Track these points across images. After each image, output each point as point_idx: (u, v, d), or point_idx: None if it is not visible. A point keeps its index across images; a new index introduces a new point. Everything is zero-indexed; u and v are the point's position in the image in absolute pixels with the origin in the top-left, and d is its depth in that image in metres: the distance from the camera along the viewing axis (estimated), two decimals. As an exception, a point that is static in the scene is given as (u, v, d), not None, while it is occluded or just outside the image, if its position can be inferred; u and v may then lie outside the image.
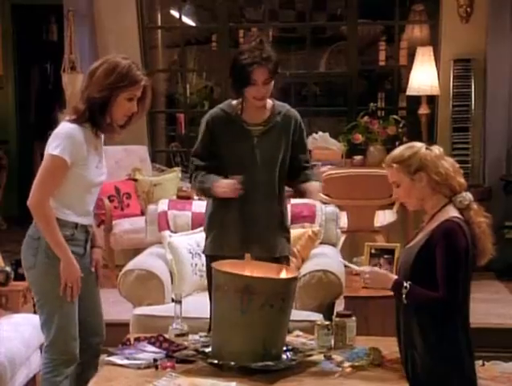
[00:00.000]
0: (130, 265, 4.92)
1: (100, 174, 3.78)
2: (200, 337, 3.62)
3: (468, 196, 3.31)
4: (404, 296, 3.23)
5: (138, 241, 6.10)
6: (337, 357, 3.42)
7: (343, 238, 6.12)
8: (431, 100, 7.77)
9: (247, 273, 3.45)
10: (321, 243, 5.26)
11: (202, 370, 3.31)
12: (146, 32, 8.28)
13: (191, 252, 4.99)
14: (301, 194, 4.19)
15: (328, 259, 5.01)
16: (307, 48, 8.49)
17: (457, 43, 7.59)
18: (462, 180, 3.34)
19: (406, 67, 8.23)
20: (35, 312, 5.28)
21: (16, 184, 10.03)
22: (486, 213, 3.32)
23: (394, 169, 3.35)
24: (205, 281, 4.88)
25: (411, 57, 7.85)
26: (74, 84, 7.48)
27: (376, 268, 3.47)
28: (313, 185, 4.11)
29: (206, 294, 4.12)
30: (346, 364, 3.34)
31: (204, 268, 4.93)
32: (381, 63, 8.93)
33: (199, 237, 5.08)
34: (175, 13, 9.23)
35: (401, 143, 7.28)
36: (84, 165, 3.65)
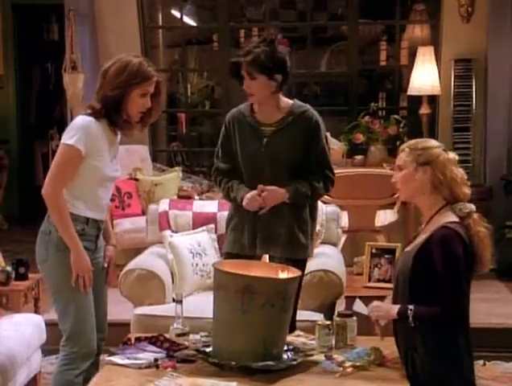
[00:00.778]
0: (131, 265, 4.92)
1: (114, 170, 3.81)
2: (201, 337, 3.62)
3: (469, 206, 3.30)
4: (411, 319, 3.22)
5: (139, 241, 6.10)
6: (338, 357, 3.41)
7: (344, 238, 6.11)
8: (432, 99, 7.77)
9: (248, 272, 3.45)
10: (322, 243, 5.26)
11: (203, 370, 3.31)
12: (147, 32, 8.29)
13: (192, 252, 4.99)
14: None
15: (328, 259, 5.01)
16: (308, 48, 8.50)
17: (458, 42, 7.59)
18: (467, 191, 3.33)
19: (407, 67, 8.23)
20: (35, 312, 5.30)
21: (17, 184, 10.04)
22: (487, 224, 3.31)
23: (404, 153, 3.38)
24: (206, 281, 4.90)
25: (412, 57, 7.86)
26: (75, 84, 7.49)
27: (377, 304, 3.42)
28: (270, 189, 3.97)
29: (207, 294, 4.11)
30: (347, 364, 3.34)
31: (205, 268, 4.95)
32: (382, 63, 8.94)
33: (200, 237, 5.09)
34: (176, 12, 9.24)
35: (402, 143, 7.29)
36: (99, 157, 3.68)
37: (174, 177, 7.38)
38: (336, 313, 4.08)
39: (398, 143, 7.32)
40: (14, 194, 9.98)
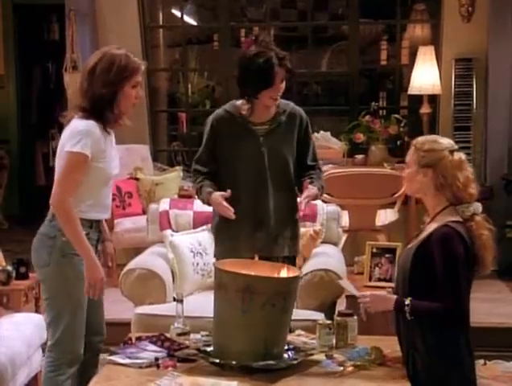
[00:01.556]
0: (132, 264, 4.92)
1: (115, 167, 3.81)
2: (202, 336, 3.62)
3: (472, 208, 3.28)
4: (408, 314, 3.22)
5: (140, 240, 6.11)
6: (339, 356, 3.42)
7: (344, 237, 6.12)
8: (433, 99, 7.77)
9: (248, 272, 3.44)
10: (323, 242, 5.26)
11: (203, 369, 3.31)
12: (148, 31, 8.29)
13: (192, 251, 4.99)
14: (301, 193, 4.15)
15: (329, 258, 5.01)
16: (309, 48, 8.50)
17: (459, 42, 7.58)
18: (473, 191, 3.31)
19: (407, 67, 8.22)
20: (36, 311, 5.30)
21: (17, 184, 10.03)
22: (490, 226, 3.30)
23: (412, 150, 3.39)
24: (207, 280, 4.90)
25: (413, 56, 7.85)
26: (75, 84, 7.42)
27: (375, 292, 3.44)
28: (311, 190, 4.01)
29: (207, 293, 4.11)
30: (348, 364, 3.34)
31: (206, 267, 4.95)
32: (383, 63, 8.94)
33: (200, 236, 5.09)
34: (176, 12, 9.24)
35: (402, 142, 7.31)
36: (103, 158, 3.67)
37: (174, 176, 7.38)
38: (336, 312, 4.08)
39: (398, 143, 7.34)
40: (15, 194, 9.98)
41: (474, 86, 7.56)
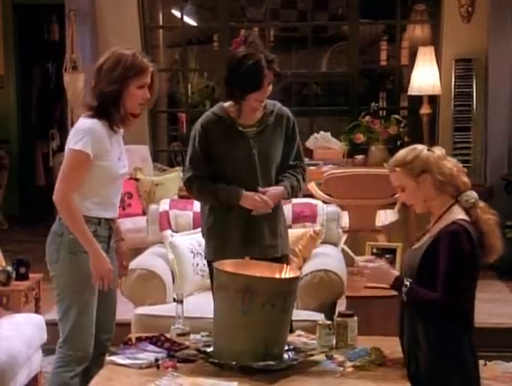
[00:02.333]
0: (132, 265, 4.90)
1: (123, 166, 3.82)
2: (202, 337, 3.62)
3: (473, 194, 3.31)
4: (404, 294, 3.23)
5: (140, 241, 6.09)
6: (339, 357, 3.41)
7: (344, 238, 6.11)
8: (433, 99, 7.77)
9: (248, 272, 3.44)
10: (322, 242, 5.26)
11: (203, 369, 3.31)
12: (148, 32, 8.30)
13: (192, 252, 4.99)
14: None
15: (329, 259, 5.00)
16: (309, 48, 8.50)
17: (459, 42, 7.59)
18: (466, 179, 3.34)
19: (407, 67, 8.23)
20: (36, 312, 5.30)
21: (17, 184, 10.03)
22: (493, 210, 3.32)
23: (397, 173, 3.35)
24: (207, 281, 4.89)
25: (413, 57, 7.86)
26: (75, 84, 7.49)
27: (378, 264, 3.42)
28: (271, 190, 3.99)
29: (207, 294, 4.10)
30: (348, 364, 3.34)
31: (206, 268, 4.94)
32: (383, 63, 8.95)
33: (200, 237, 5.05)
34: (176, 12, 9.24)
35: (402, 143, 7.31)
36: (106, 157, 3.68)
37: (174, 177, 7.37)
38: (336, 313, 4.08)
39: (398, 143, 7.33)
40: (15, 194, 9.98)
41: (474, 86, 7.57)
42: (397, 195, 3.49)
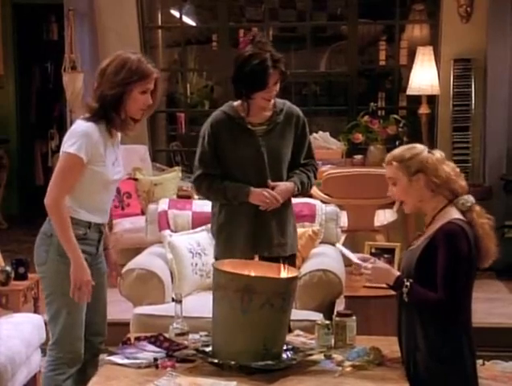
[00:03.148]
0: (131, 265, 4.92)
1: (117, 172, 3.78)
2: (201, 336, 3.62)
3: (470, 198, 3.31)
4: (405, 294, 3.23)
5: (139, 241, 6.10)
6: (337, 356, 3.42)
7: (343, 237, 6.12)
8: (432, 99, 7.78)
9: (247, 272, 3.45)
10: (321, 242, 5.26)
11: (202, 369, 3.31)
12: (147, 32, 8.30)
13: (191, 252, 4.99)
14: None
15: (328, 258, 5.00)
16: (308, 48, 8.50)
17: (457, 42, 7.59)
18: (464, 183, 3.34)
19: (406, 67, 8.24)
20: (35, 311, 5.31)
21: (16, 184, 10.03)
22: (488, 215, 3.32)
23: (393, 166, 3.36)
24: (206, 281, 4.91)
25: (411, 57, 7.87)
26: (74, 84, 7.49)
27: (378, 265, 3.41)
28: (281, 185, 4.04)
29: (206, 294, 4.10)
30: (346, 364, 3.34)
31: (205, 268, 4.95)
32: (382, 63, 8.95)
33: (199, 237, 5.09)
34: (175, 12, 9.25)
35: (401, 143, 7.31)
36: (101, 162, 3.65)
37: (173, 177, 7.38)
38: (335, 312, 4.09)
39: (397, 143, 7.34)
40: (14, 193, 9.98)
41: (473, 86, 7.57)
42: (389, 193, 3.47)
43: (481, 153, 7.60)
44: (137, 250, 5.63)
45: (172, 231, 5.20)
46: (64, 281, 3.63)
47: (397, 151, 3.39)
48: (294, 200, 5.08)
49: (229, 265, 3.48)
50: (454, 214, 3.26)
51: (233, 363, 3.26)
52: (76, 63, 7.58)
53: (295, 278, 3.48)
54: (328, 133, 7.72)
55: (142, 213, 6.62)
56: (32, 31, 10.29)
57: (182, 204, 5.41)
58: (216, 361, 3.30)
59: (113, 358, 3.44)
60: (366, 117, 7.61)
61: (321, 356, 3.44)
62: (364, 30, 9.77)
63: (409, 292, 3.22)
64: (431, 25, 8.50)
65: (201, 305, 4.35)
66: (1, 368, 4.05)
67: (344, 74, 8.74)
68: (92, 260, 3.75)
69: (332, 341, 3.54)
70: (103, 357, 3.71)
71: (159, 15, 9.20)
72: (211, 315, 3.42)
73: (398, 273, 3.32)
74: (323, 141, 7.61)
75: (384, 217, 6.72)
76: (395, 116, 7.81)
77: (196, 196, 6.88)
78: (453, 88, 7.59)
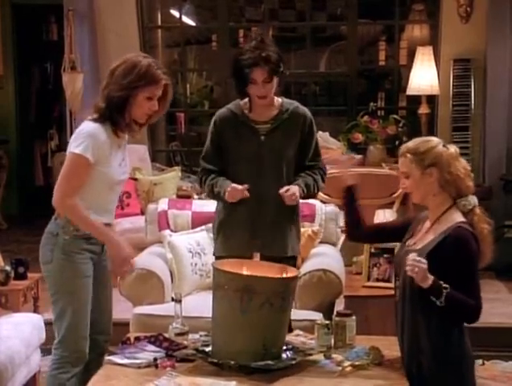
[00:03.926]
0: (130, 265, 4.92)
1: (123, 173, 3.79)
2: (200, 336, 3.62)
3: (472, 200, 3.28)
4: (444, 298, 3.12)
5: (138, 240, 6.08)
6: (337, 356, 3.42)
7: (343, 237, 6.10)
8: (431, 99, 7.78)
9: (247, 272, 3.45)
10: (321, 242, 5.26)
11: (202, 369, 3.31)
12: (146, 32, 8.30)
13: (191, 252, 4.99)
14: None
15: (328, 258, 5.01)
16: (307, 48, 8.51)
17: (457, 42, 7.60)
18: (470, 183, 3.30)
19: (406, 67, 8.25)
20: (34, 311, 5.31)
21: (16, 184, 10.03)
22: (488, 219, 3.30)
23: (407, 159, 3.32)
24: (205, 280, 4.90)
25: (411, 57, 7.87)
26: (74, 84, 7.50)
27: (422, 264, 3.13)
28: (290, 189, 4.01)
29: (206, 293, 4.10)
30: (346, 363, 3.34)
31: (204, 268, 4.95)
32: (381, 63, 8.97)
33: (199, 236, 5.09)
34: (175, 12, 9.25)
35: (401, 143, 7.31)
36: (107, 163, 3.65)
37: (173, 176, 7.38)
38: (335, 312, 4.08)
39: (397, 143, 7.33)
40: (14, 194, 9.98)
41: (472, 86, 7.58)
42: (395, 195, 3.46)
43: (480, 154, 7.60)
44: (136, 250, 5.63)
45: (172, 231, 5.19)
46: (69, 280, 3.65)
47: (412, 144, 3.35)
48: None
49: (229, 265, 3.48)
50: (457, 217, 3.25)
51: (232, 362, 3.26)
52: (76, 63, 7.59)
53: (294, 278, 3.48)
54: (327, 133, 7.72)
55: (142, 213, 6.61)
56: (32, 32, 10.29)
57: (181, 204, 5.41)
58: (215, 361, 3.30)
59: (112, 357, 3.44)
60: (366, 117, 7.62)
61: (321, 356, 3.44)
62: (364, 30, 9.77)
63: (447, 296, 3.12)
64: (431, 25, 8.50)
65: (201, 304, 4.35)
66: (1, 368, 4.05)
67: (343, 74, 8.75)
68: (98, 258, 3.77)
69: (332, 341, 3.54)
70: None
71: (159, 15, 9.20)
72: (210, 315, 3.42)
73: (433, 277, 3.15)
74: (322, 141, 7.60)
75: (384, 217, 6.70)
76: (395, 116, 7.82)
77: (195, 196, 6.90)
78: (453, 88, 7.60)
